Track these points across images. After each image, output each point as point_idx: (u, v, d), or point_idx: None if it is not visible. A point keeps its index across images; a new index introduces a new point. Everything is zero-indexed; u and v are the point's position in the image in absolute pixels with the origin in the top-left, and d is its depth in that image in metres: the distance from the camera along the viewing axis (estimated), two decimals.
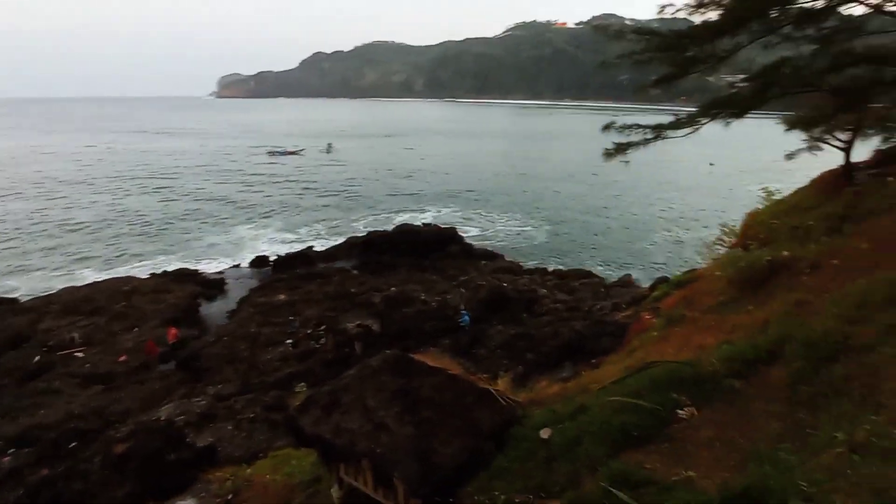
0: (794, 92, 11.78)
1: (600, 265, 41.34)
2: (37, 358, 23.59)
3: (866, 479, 2.98)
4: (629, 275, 35.15)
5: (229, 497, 9.93)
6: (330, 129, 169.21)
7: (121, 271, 38.01)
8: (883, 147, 17.43)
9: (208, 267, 39.91)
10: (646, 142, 12.40)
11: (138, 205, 61.11)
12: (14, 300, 30.37)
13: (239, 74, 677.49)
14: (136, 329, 27.15)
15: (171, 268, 38.26)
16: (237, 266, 40.11)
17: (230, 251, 44.76)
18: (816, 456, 3.76)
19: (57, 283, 35.36)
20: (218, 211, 58.89)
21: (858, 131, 16.25)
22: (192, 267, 38.75)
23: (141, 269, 38.82)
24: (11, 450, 17.33)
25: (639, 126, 12.36)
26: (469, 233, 48.43)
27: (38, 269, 40.15)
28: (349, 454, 6.20)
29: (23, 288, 35.43)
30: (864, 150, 17.92)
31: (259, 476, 10.54)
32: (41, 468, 15.74)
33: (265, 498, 9.15)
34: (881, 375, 4.67)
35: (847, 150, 16.80)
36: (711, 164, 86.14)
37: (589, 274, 35.33)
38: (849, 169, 17.31)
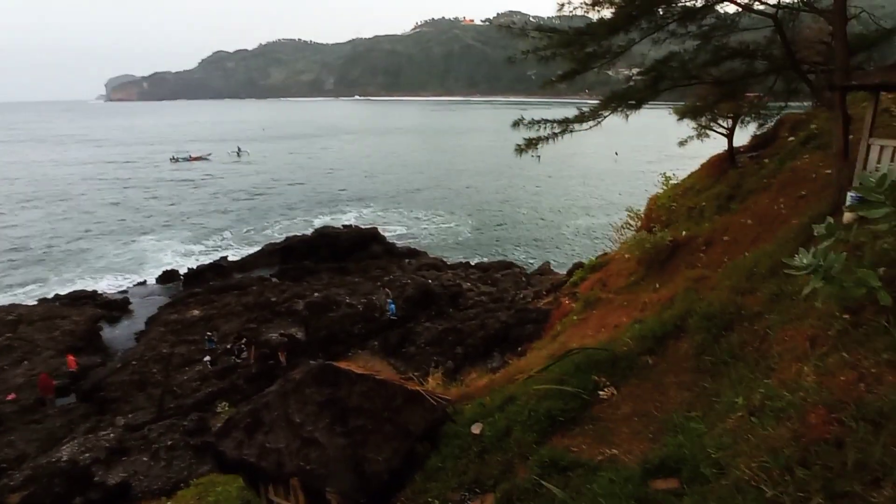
0: (682, 84, 12.70)
1: (520, 255, 42.60)
2: None
3: (764, 440, 3.25)
4: (547, 262, 36.49)
5: None
6: (238, 131, 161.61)
7: (1, 300, 34.24)
8: (758, 132, 19.30)
9: (109, 286, 36.88)
10: (554, 136, 12.89)
11: (21, 223, 55.18)
12: None
13: (131, 76, 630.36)
14: (26, 362, 24.53)
15: (63, 291, 34.96)
16: (143, 283, 37.40)
17: (133, 267, 41.58)
18: (722, 421, 4.06)
19: None
20: (116, 225, 54.47)
21: (738, 119, 17.86)
22: (90, 287, 35.64)
23: (27, 296, 35.17)
24: None
25: (546, 121, 12.81)
26: (391, 232, 48.18)
27: None
28: (277, 475, 5.95)
29: None
30: (744, 136, 19.74)
31: None
32: None
33: None
34: (770, 341, 5.13)
35: (729, 135, 18.42)
36: (616, 154, 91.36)
37: (510, 265, 36.29)
38: (732, 153, 19.00)
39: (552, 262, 37.52)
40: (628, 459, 4.62)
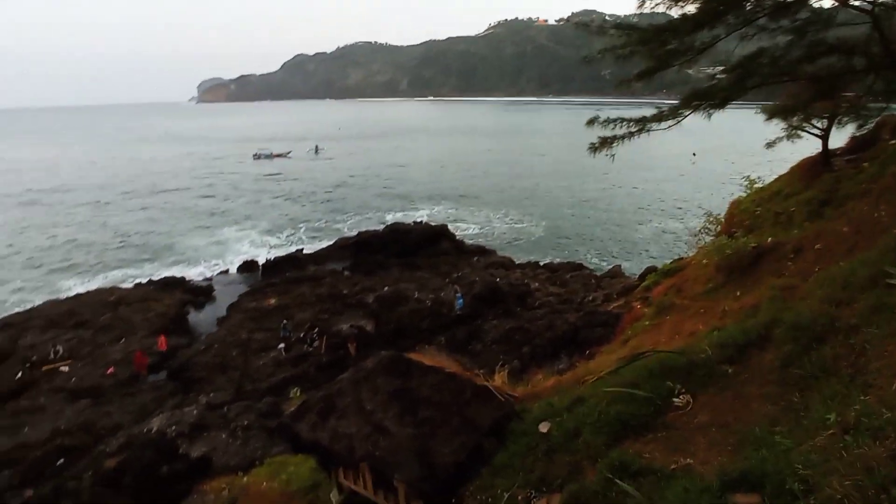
0: (772, 82, 11.91)
1: (590, 257, 41.67)
2: (19, 375, 23.13)
3: (859, 458, 3.04)
4: (619, 265, 35.43)
5: None
6: (316, 130, 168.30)
7: (104, 283, 37.47)
8: (857, 134, 17.75)
9: (196, 274, 39.55)
10: (630, 135, 12.47)
11: (121, 214, 60.33)
12: None
13: (220, 79, 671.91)
14: (124, 340, 26.82)
15: (156, 276, 37.87)
16: (225, 272, 39.80)
17: (217, 257, 44.36)
18: (811, 438, 3.82)
19: (37, 298, 34.84)
20: (204, 217, 58.34)
21: (834, 119, 16.51)
22: (178, 274, 38.37)
23: (126, 280, 38.35)
24: None
25: (623, 120, 12.43)
26: (461, 230, 48.52)
27: (15, 283, 39.50)
28: (348, 459, 6.19)
29: (3, 305, 34.80)
30: (840, 138, 18.25)
31: (256, 484, 10.47)
32: (25, 489, 15.36)
33: None
34: (868, 356, 4.75)
35: (824, 137, 17.07)
36: (694, 155, 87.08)
37: (579, 266, 35.57)
38: (827, 155, 17.59)
39: (624, 265, 36.41)
40: (704, 470, 4.44)
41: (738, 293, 12.29)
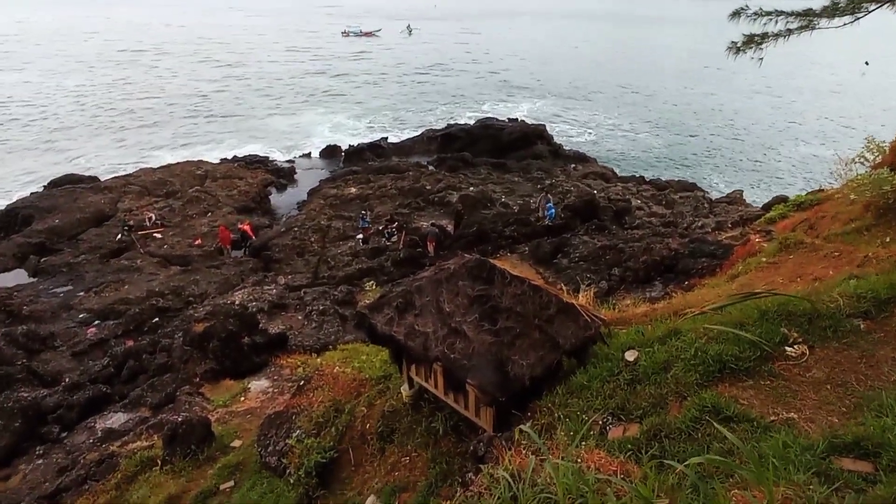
0: None
1: (708, 178, 39.14)
2: (119, 236, 26.07)
3: None
4: (740, 191, 33.04)
5: (301, 383, 10.96)
6: (410, 7, 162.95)
7: (192, 154, 40.21)
8: None
9: (278, 154, 41.52)
10: (787, 33, 10.94)
11: (208, 83, 62.95)
12: (95, 178, 33.11)
13: None
14: (210, 214, 29.22)
15: (241, 152, 40.10)
16: (307, 155, 41.38)
17: (300, 138, 46.00)
18: None
19: (129, 162, 38.19)
20: (289, 94, 59.73)
21: None
22: (262, 153, 40.43)
23: (211, 153, 40.96)
24: (97, 321, 19.69)
25: (780, 13, 10.87)
26: (561, 132, 46.82)
27: (114, 148, 43.25)
28: (422, 356, 6.57)
29: (100, 167, 38.36)
30: None
31: (329, 366, 11.47)
32: (125, 340, 17.94)
33: (335, 387, 10.01)
34: None
35: None
36: (866, 64, 75.60)
37: (692, 186, 33.63)
38: None
39: (747, 191, 33.90)
40: (810, 429, 4.30)
41: (888, 239, 11.15)
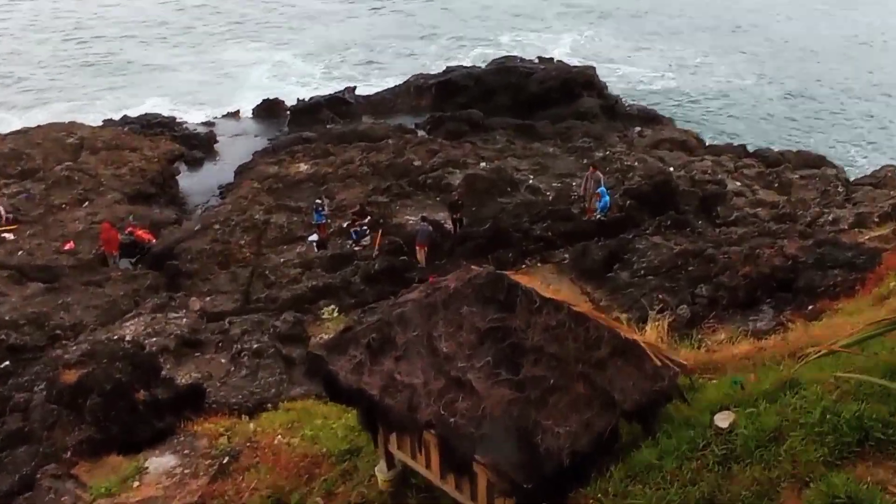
0: None
1: (843, 149, 39.23)
2: None
3: None
4: (892, 167, 33.00)
5: (224, 460, 10.93)
6: None
7: (59, 114, 39.59)
8: None
9: (190, 113, 41.52)
10: None
11: (81, 12, 62.30)
12: None
13: None
14: (87, 204, 29.14)
15: (133, 112, 40.01)
16: (234, 114, 41.44)
17: (223, 89, 45.96)
18: None
19: None
20: (205, 21, 59.58)
21: None
22: (166, 112, 40.36)
23: (88, 112, 40.61)
24: None
25: None
26: (622, 78, 46.96)
27: None
28: (407, 421, 6.56)
29: None
30: None
31: (267, 435, 11.44)
32: None
33: (277, 468, 10.00)
34: None
35: None
36: None
37: (819, 161, 33.58)
38: None
39: None
40: None
41: None
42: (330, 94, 41.89)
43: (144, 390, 14.94)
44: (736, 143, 36.69)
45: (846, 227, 23.53)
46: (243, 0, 66.18)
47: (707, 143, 36.53)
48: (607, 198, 25.19)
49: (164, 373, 16.34)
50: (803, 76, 50.47)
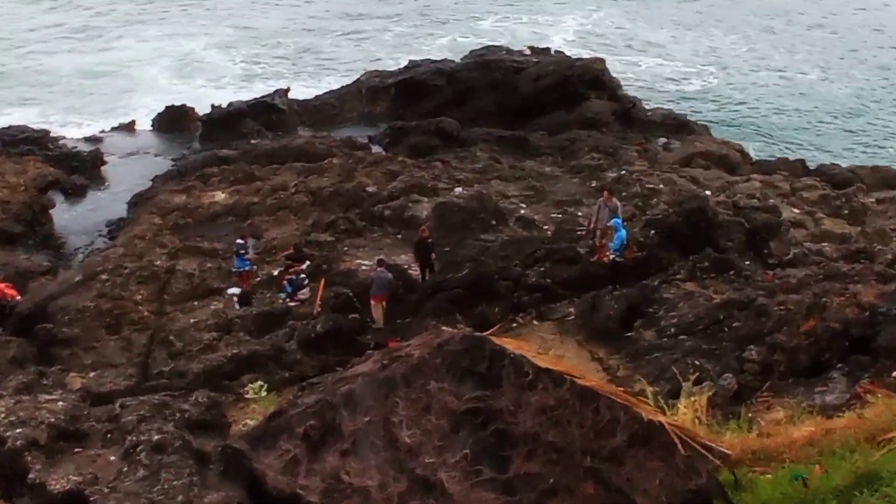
0: None
1: None
2: None
3: None
4: None
5: None
6: None
7: None
8: None
9: (69, 125, 41.57)
10: None
11: None
12: None
13: None
14: None
15: None
16: (127, 126, 41.52)
17: (113, 94, 45.96)
18: None
19: None
20: (84, 10, 59.57)
21: None
22: (35, 125, 39.95)
23: None
24: None
25: None
26: (641, 74, 47.60)
27: None
28: None
29: None
30: None
31: None
32: None
33: None
34: None
35: None
36: None
37: None
38: None
39: None
40: None
41: None
42: (255, 99, 42.12)
43: (3, 498, 14.78)
44: (793, 158, 37.11)
45: None
46: None
47: (754, 159, 36.93)
48: (624, 232, 25.05)
49: (32, 476, 16.14)
50: (878, 72, 51.25)
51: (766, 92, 48.14)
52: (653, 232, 26.37)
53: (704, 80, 49.05)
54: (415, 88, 41.26)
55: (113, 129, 41.29)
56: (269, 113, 40.49)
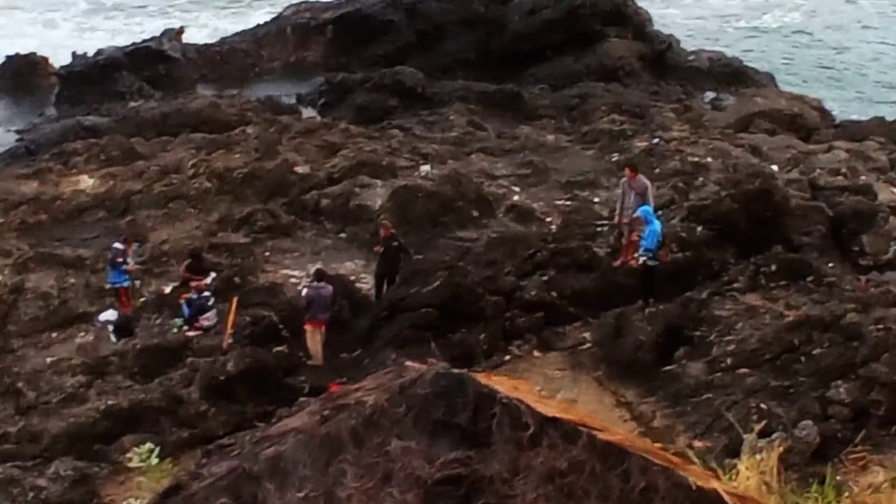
0: None
1: None
2: None
3: None
4: None
5: None
6: None
7: None
8: None
9: None
10: None
11: None
12: None
13: None
14: None
15: None
16: None
17: None
18: None
19: None
20: None
21: None
22: None
23: None
24: None
25: None
26: (685, 6, 47.89)
27: None
28: None
29: None
30: None
31: None
32: None
33: None
34: None
35: None
36: None
37: None
38: None
39: None
40: None
41: None
42: (135, 44, 41.99)
43: None
44: (890, 119, 37.32)
45: None
46: None
47: (838, 120, 37.08)
48: (658, 224, 24.71)
49: None
50: None
51: (856, 31, 48.45)
52: (699, 227, 26.27)
53: (775, 15, 49.36)
54: (360, 27, 41.18)
55: None
56: (155, 63, 40.37)
